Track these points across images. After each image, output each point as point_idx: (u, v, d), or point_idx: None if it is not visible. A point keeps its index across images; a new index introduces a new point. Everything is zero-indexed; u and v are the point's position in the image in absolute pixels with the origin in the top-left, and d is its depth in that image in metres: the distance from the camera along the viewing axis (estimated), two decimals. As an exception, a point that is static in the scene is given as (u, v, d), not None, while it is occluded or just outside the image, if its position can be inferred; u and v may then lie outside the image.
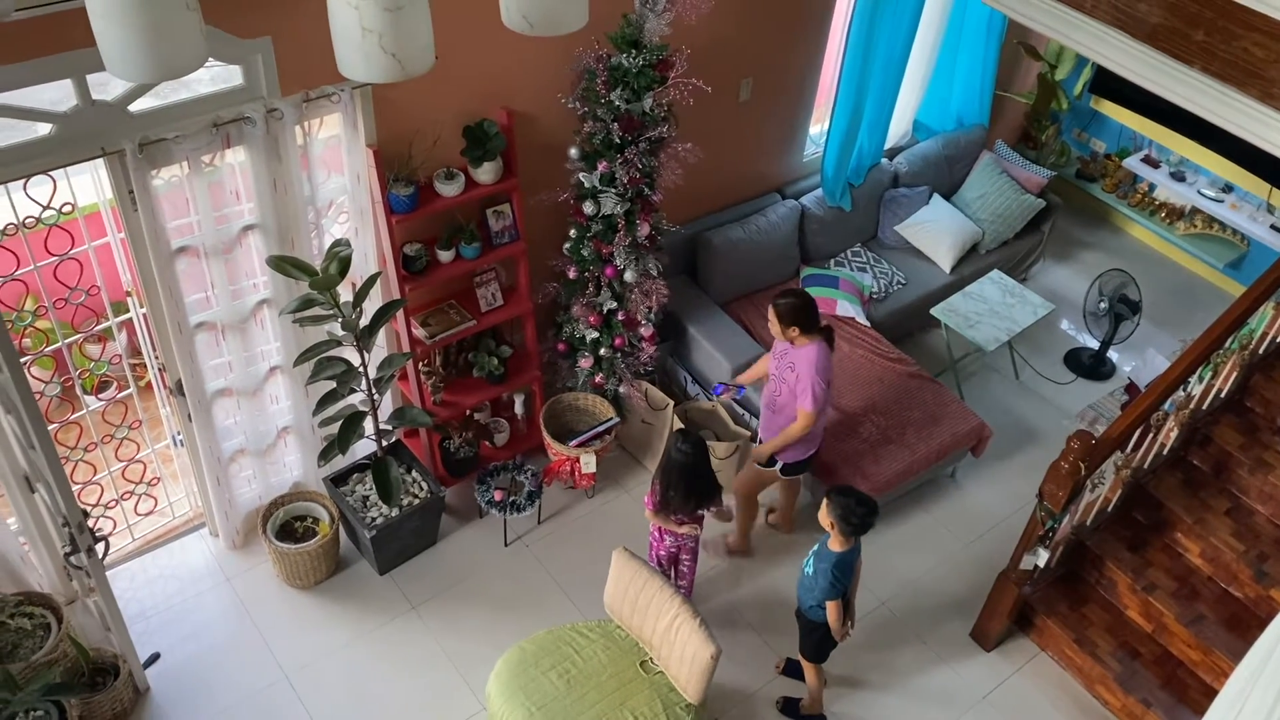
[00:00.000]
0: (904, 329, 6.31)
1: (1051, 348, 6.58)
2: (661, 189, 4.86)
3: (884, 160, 6.46)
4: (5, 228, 3.78)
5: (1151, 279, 6.78)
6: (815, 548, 4.17)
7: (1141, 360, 6.09)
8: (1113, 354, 6.49)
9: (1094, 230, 7.52)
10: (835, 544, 4.03)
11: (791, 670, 4.67)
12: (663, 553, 4.54)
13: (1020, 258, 6.77)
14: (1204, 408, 4.87)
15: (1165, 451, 4.87)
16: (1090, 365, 6.44)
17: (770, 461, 4.69)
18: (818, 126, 6.27)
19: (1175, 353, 5.55)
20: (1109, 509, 4.80)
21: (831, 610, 4.09)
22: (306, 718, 4.43)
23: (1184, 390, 4.57)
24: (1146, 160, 7.12)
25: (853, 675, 4.75)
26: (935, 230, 6.37)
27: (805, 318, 4.40)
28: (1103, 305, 6.23)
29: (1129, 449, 4.55)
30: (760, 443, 4.78)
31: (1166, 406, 4.53)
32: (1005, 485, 5.65)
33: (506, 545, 5.15)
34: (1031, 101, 7.19)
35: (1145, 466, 4.82)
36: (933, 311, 6.06)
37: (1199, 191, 6.88)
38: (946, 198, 6.61)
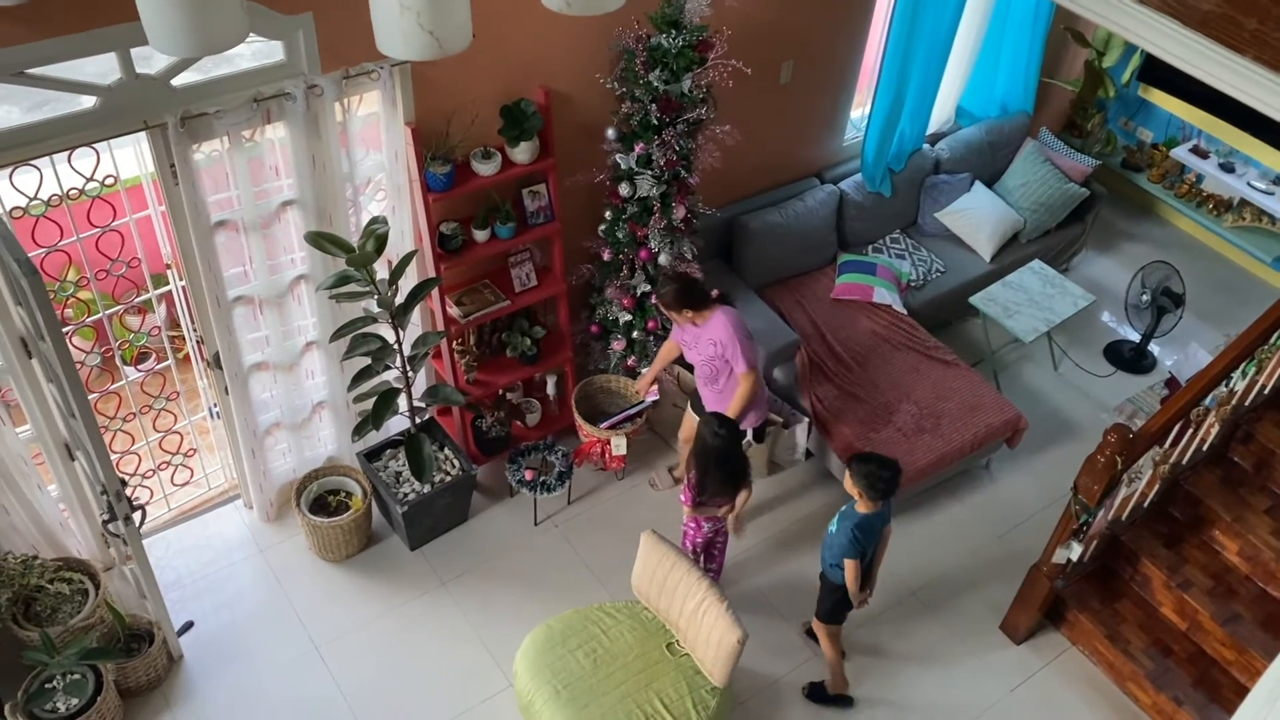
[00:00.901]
0: (941, 318, 6.25)
1: (1091, 340, 6.48)
2: (698, 171, 4.84)
3: (925, 146, 6.37)
4: (49, 199, 3.83)
5: (1196, 272, 6.66)
6: (843, 508, 4.17)
7: (1183, 354, 5.99)
8: (1154, 347, 6.39)
9: (1138, 221, 7.39)
10: (862, 508, 4.05)
11: (814, 634, 4.67)
12: (700, 539, 4.52)
13: (1062, 248, 6.67)
14: (1246, 404, 4.78)
15: (1205, 448, 4.79)
16: (1131, 358, 6.34)
17: (741, 435, 4.64)
18: (859, 111, 6.20)
19: (1218, 347, 5.44)
20: (1145, 504, 4.74)
21: (849, 569, 4.09)
22: (335, 689, 4.48)
23: (1226, 386, 4.49)
24: (1195, 151, 6.97)
25: (879, 663, 4.73)
26: (976, 218, 6.29)
27: (691, 296, 4.45)
28: (1145, 298, 6.13)
29: (1167, 444, 4.48)
30: None
31: (1207, 402, 4.45)
32: (1040, 477, 5.59)
33: (536, 524, 5.18)
34: (1078, 89, 7.07)
35: (1184, 462, 4.74)
36: (971, 300, 6.00)
37: (1249, 183, 6.74)
38: (988, 185, 6.52)
